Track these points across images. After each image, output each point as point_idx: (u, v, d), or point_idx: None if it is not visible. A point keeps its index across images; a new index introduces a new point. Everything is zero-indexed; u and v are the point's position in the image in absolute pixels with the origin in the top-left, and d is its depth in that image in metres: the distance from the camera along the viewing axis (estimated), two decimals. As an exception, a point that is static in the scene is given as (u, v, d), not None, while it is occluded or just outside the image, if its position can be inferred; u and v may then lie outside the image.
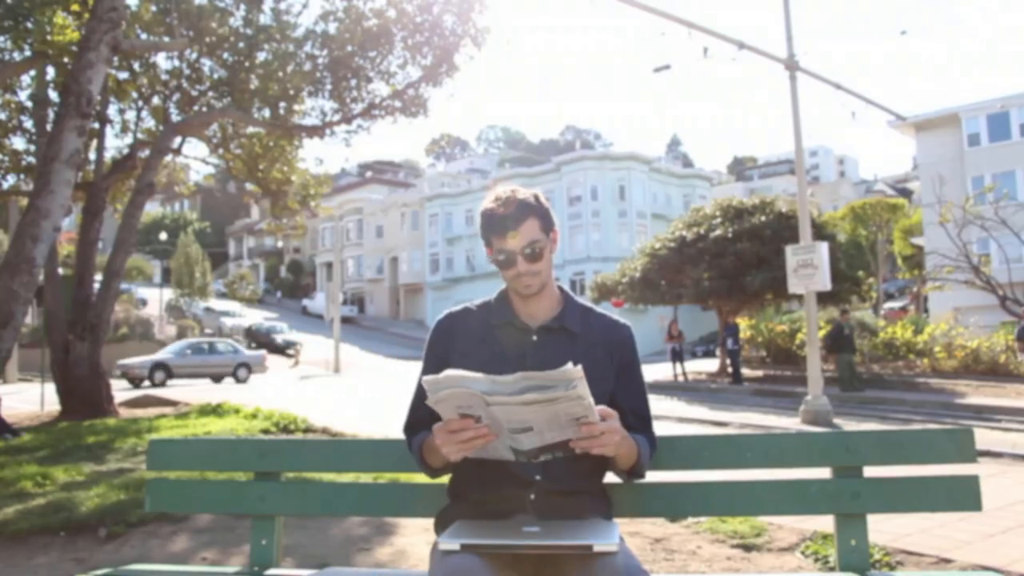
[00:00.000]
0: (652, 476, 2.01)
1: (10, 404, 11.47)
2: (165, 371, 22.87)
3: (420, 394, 2.00)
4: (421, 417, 1.97)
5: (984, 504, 2.03)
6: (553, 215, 1.96)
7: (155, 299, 41.93)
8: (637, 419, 2.00)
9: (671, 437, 2.12)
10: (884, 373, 18.78)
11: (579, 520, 1.79)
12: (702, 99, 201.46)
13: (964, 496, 2.03)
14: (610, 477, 1.98)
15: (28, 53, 9.85)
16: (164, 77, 13.09)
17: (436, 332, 2.03)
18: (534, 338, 1.94)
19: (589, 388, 1.58)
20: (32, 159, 12.00)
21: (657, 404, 14.84)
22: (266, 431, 8.33)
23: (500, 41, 28.48)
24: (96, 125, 11.73)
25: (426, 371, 2.02)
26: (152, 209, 63.39)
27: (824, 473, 2.12)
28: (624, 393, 1.99)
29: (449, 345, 1.99)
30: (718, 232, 20.44)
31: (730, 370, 19.91)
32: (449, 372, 1.61)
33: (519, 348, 1.93)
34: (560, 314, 1.98)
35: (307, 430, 8.52)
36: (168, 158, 13.44)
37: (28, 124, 12.14)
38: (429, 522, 2.06)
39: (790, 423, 11.92)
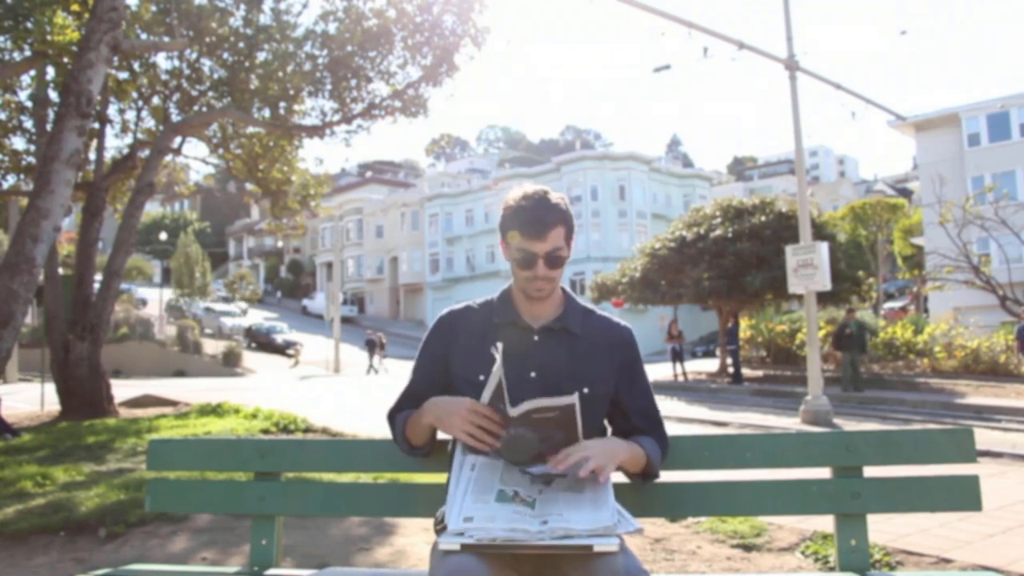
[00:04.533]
0: (652, 476, 2.01)
1: (10, 404, 11.46)
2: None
3: (411, 386, 2.02)
4: (407, 408, 2.03)
5: (984, 504, 2.03)
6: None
7: (155, 299, 41.91)
8: (645, 419, 2.00)
9: (671, 437, 2.12)
10: (884, 373, 18.77)
11: (579, 520, 1.79)
12: (702, 99, 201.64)
13: (964, 496, 2.03)
14: (611, 476, 1.98)
15: (28, 53, 9.84)
16: (164, 77, 13.08)
17: (436, 329, 2.03)
18: (536, 338, 1.95)
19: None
20: (32, 159, 11.98)
21: (657, 404, 14.77)
22: (266, 431, 8.32)
23: (500, 41, 28.52)
24: (96, 125, 11.72)
25: (420, 366, 2.03)
26: (152, 209, 63.39)
27: (824, 473, 2.12)
28: (629, 394, 1.99)
29: (450, 342, 1.99)
30: (718, 232, 20.43)
31: (731, 370, 19.92)
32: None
33: (521, 348, 1.93)
34: (562, 315, 1.98)
35: (307, 430, 8.51)
36: (168, 158, 13.43)
37: (28, 124, 12.12)
38: (429, 522, 2.06)
39: (790, 423, 11.92)
